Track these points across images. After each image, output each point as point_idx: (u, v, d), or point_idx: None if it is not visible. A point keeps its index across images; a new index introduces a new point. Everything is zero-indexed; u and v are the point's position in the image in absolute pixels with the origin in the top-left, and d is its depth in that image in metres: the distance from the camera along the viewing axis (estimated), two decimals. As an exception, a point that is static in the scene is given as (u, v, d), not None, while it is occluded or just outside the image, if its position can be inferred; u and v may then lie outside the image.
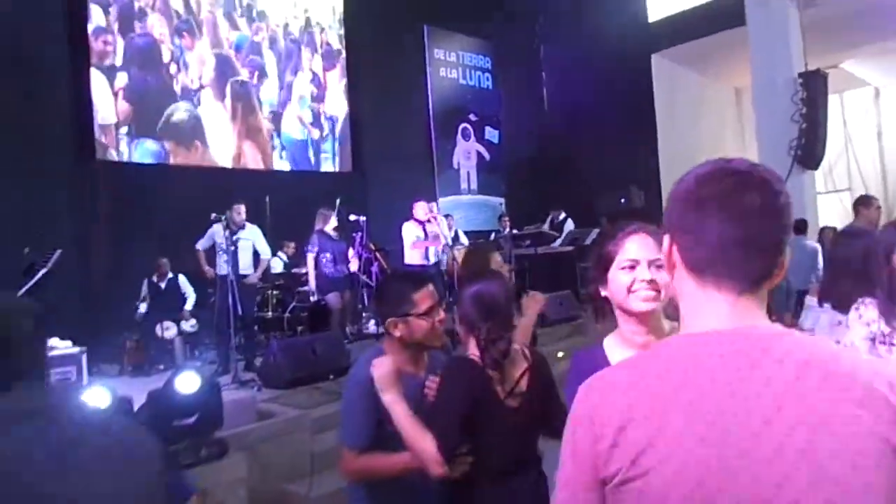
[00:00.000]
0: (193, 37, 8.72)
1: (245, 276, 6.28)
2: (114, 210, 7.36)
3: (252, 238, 6.41)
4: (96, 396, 2.95)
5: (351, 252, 7.43)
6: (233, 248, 6.09)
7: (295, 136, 9.76)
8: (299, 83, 9.87)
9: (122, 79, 7.99)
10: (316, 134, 10.01)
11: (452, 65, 11.94)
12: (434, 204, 7.58)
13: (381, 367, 1.84)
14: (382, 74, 10.32)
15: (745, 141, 12.25)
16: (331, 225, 6.94)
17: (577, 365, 1.61)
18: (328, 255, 6.83)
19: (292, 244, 8.32)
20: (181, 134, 8.48)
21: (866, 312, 1.93)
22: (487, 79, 12.54)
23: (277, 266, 8.18)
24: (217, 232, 6.18)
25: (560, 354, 4.72)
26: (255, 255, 6.59)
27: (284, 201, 7.74)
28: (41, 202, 6.69)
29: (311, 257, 6.82)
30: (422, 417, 1.77)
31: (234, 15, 9.23)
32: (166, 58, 8.45)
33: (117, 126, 7.93)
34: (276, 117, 9.53)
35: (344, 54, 10.38)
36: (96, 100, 7.75)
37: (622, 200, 9.02)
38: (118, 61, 8.00)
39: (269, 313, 7.36)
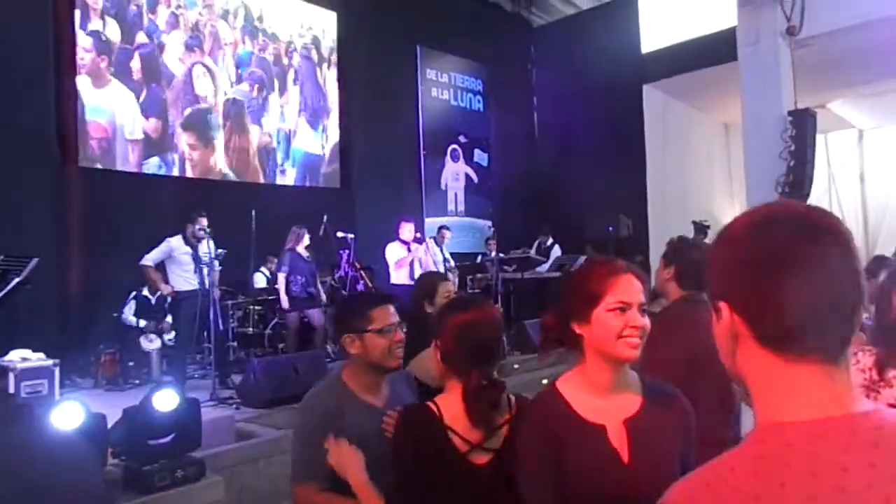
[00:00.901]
0: (201, 51, 8.79)
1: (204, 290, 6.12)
2: (93, 219, 7.26)
3: (208, 249, 6.31)
4: (68, 412, 2.87)
5: (325, 275, 7.43)
6: (204, 261, 5.99)
7: (305, 149, 9.90)
8: (298, 98, 9.91)
9: (141, 94, 8.09)
10: (317, 149, 10.07)
11: (444, 86, 12.01)
12: (415, 230, 7.56)
13: (339, 456, 1.68)
14: (374, 92, 10.36)
15: (732, 175, 12.42)
16: (303, 244, 6.90)
17: (533, 413, 1.43)
18: (300, 277, 6.82)
19: (276, 259, 8.23)
20: (190, 145, 8.58)
21: (863, 359, 1.91)
22: (479, 101, 12.63)
23: (260, 282, 8.12)
24: (175, 247, 6.03)
25: (544, 381, 4.75)
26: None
27: (269, 215, 7.70)
28: (19, 209, 6.58)
29: (282, 277, 6.81)
30: (381, 457, 1.63)
31: (238, 30, 9.27)
32: (178, 71, 8.50)
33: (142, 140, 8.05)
34: (278, 133, 9.60)
35: (336, 71, 10.42)
36: (121, 114, 7.84)
37: (610, 229, 9.09)
38: (136, 75, 8.07)
39: (251, 329, 7.34)
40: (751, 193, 8.06)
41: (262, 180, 9.34)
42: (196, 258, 5.97)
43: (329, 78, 10.37)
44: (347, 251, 7.53)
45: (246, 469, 4.04)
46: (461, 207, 12.08)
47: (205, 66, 8.86)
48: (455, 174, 12.09)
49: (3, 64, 6.56)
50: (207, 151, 8.77)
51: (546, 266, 9.32)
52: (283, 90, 9.74)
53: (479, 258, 10.27)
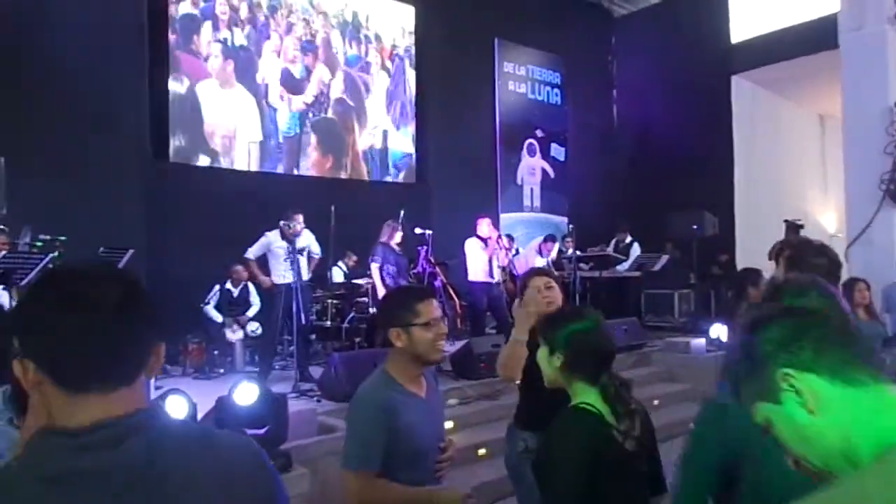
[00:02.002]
0: (315, 56, 9.40)
1: (302, 282, 6.31)
2: (183, 213, 7.61)
3: (307, 243, 6.50)
4: (175, 406, 3.01)
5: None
6: (298, 256, 6.17)
7: (400, 149, 10.28)
8: (390, 97, 10.23)
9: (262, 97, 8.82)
10: (408, 147, 10.34)
11: (521, 79, 11.93)
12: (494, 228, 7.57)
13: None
14: (451, 86, 10.39)
15: (827, 171, 11.84)
16: (396, 239, 6.97)
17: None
18: (392, 268, 6.86)
19: (354, 255, 8.43)
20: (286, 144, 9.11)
21: None
22: (556, 94, 12.49)
23: (337, 276, 8.28)
24: (273, 241, 6.28)
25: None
26: (309, 261, 6.67)
27: (347, 210, 7.85)
28: (118, 204, 6.97)
29: (375, 267, 6.85)
30: (426, 446, 1.94)
31: (340, 31, 9.73)
32: (271, 72, 9.03)
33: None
34: (376, 132, 10.03)
35: (413, 65, 10.52)
36: (208, 110, 8.37)
37: (694, 227, 8.82)
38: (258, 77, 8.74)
39: (328, 322, 7.51)
40: (850, 191, 7.66)
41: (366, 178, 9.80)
42: (292, 252, 6.15)
43: (408, 73, 10.50)
44: (425, 247, 7.58)
45: (329, 462, 4.14)
46: (537, 203, 12.00)
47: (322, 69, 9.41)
48: (531, 169, 12.01)
49: (103, 59, 6.94)
50: (328, 154, 9.34)
51: (626, 265, 9.15)
52: (380, 90, 10.11)
53: (555, 253, 10.16)
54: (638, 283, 9.15)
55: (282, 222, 6.18)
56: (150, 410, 0.96)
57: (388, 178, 10.13)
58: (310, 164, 9.31)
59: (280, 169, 9.04)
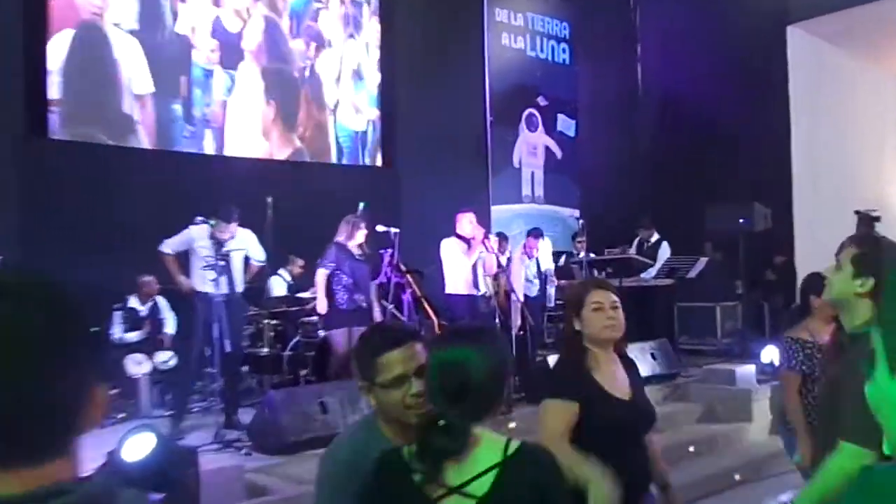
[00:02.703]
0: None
1: (232, 296, 6.19)
2: (68, 208, 7.47)
3: (244, 247, 6.36)
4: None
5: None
6: (222, 262, 6.06)
7: (350, 125, 10.21)
8: (344, 55, 10.23)
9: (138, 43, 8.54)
10: (358, 124, 10.32)
11: (518, 31, 11.95)
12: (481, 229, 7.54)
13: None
14: (426, 43, 10.38)
15: (911, 147, 11.93)
16: (357, 239, 6.89)
17: None
18: (345, 277, 6.77)
19: (299, 261, 8.34)
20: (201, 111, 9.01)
21: None
22: (564, 51, 12.51)
23: (278, 288, 8.20)
24: (197, 237, 6.15)
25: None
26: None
27: (292, 202, 7.78)
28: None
29: (322, 274, 6.75)
30: None
31: None
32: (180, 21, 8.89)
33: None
34: (330, 100, 10.05)
35: (377, 11, 10.49)
36: (126, 66, 8.31)
37: (740, 221, 8.80)
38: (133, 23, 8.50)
39: (265, 349, 7.41)
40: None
41: (308, 159, 9.71)
42: (220, 257, 6.06)
43: (369, 28, 10.46)
44: (390, 250, 7.52)
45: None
46: (539, 192, 11.99)
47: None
48: (532, 148, 11.98)
49: None
50: (270, 129, 9.33)
51: (653, 271, 9.11)
52: (336, 45, 10.10)
53: (563, 259, 10.15)
54: (669, 294, 9.11)
55: (198, 218, 6.08)
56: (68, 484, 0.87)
57: (345, 161, 10.06)
58: (242, 141, 9.24)
59: (205, 148, 8.99)
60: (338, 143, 10.10)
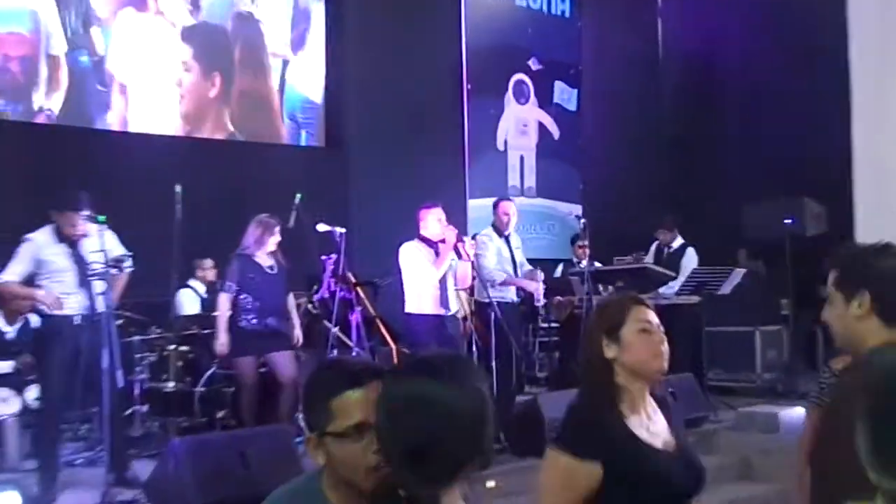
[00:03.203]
0: None
1: (96, 316, 6.10)
2: None
3: (99, 247, 6.20)
4: None
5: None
6: (114, 269, 6.06)
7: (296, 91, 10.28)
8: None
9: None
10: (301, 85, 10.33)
11: (504, -26, 11.96)
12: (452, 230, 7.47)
13: None
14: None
15: None
16: (268, 246, 6.96)
17: None
18: (252, 300, 6.93)
19: (207, 262, 8.45)
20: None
21: None
22: (563, 0, 12.52)
23: (188, 304, 8.23)
24: (41, 245, 6.06)
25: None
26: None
27: (207, 192, 7.79)
28: None
29: (224, 301, 6.94)
30: None
31: None
32: None
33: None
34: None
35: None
36: None
37: (787, 221, 8.82)
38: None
39: (170, 384, 7.45)
40: None
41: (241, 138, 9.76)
42: (78, 263, 6.01)
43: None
44: (334, 256, 7.52)
45: None
46: (530, 182, 12.01)
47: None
48: (521, 124, 12.02)
49: None
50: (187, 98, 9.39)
51: (675, 285, 9.11)
52: None
53: (560, 269, 10.12)
54: (694, 315, 9.07)
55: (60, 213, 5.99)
56: None
57: (275, 141, 10.07)
58: (144, 114, 9.19)
59: (105, 122, 9.00)
60: (279, 117, 10.12)
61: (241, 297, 6.92)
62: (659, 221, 9.83)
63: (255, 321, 6.95)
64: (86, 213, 6.03)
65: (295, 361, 7.11)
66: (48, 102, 8.70)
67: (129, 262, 6.35)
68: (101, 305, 6.03)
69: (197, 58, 9.60)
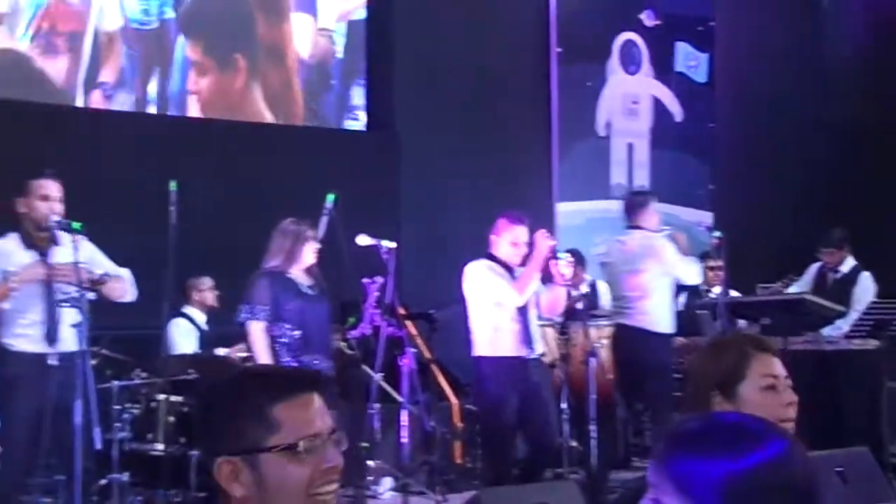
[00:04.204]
0: None
1: (68, 355, 6.25)
2: None
3: (78, 257, 6.29)
4: None
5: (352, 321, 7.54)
6: (91, 292, 6.25)
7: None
8: None
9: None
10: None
11: None
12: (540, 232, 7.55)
13: None
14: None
15: None
16: (303, 262, 7.03)
17: None
18: (287, 328, 6.97)
19: (206, 281, 8.58)
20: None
21: None
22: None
23: (184, 340, 8.35)
24: (9, 253, 6.30)
25: None
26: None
27: (209, 190, 8.03)
28: None
29: (258, 330, 6.95)
30: None
31: None
32: None
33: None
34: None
35: None
36: None
37: None
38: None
39: (158, 446, 7.48)
40: None
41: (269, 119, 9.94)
42: (48, 281, 6.20)
43: None
44: (379, 280, 7.61)
45: None
46: (641, 180, 12.04)
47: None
48: (630, 101, 12.11)
49: None
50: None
51: (844, 324, 9.14)
52: None
53: (684, 299, 10.15)
54: (871, 365, 9.08)
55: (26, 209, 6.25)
56: None
57: (296, 122, 10.28)
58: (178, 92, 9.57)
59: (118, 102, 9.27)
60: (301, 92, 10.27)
61: (277, 328, 6.90)
62: (823, 237, 9.80)
63: (292, 357, 6.93)
64: (53, 180, 6.29)
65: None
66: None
67: (116, 271, 6.56)
68: (70, 342, 6.15)
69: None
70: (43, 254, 6.26)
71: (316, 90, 10.49)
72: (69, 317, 6.24)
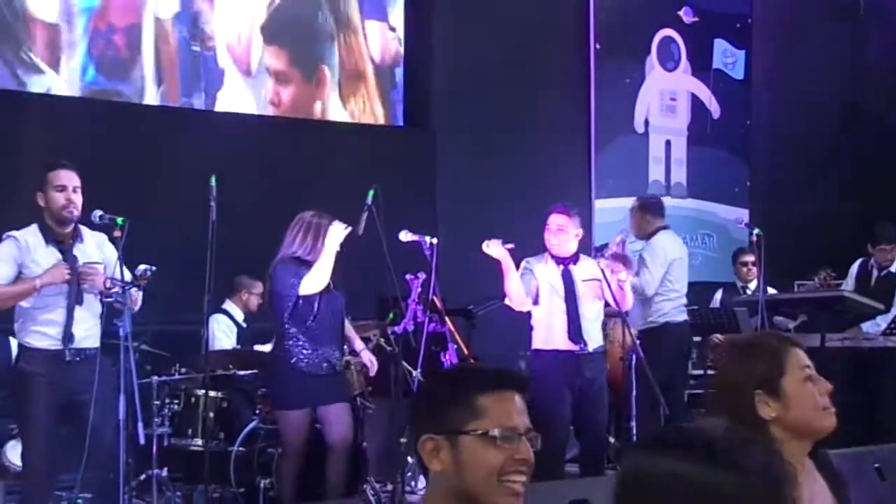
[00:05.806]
0: None
1: (84, 352, 6.23)
2: None
3: (100, 257, 6.36)
4: None
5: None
6: (136, 286, 6.23)
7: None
8: None
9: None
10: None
11: None
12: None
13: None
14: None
15: None
16: (328, 252, 6.89)
17: None
18: (309, 318, 6.95)
19: (256, 286, 8.49)
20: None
21: None
22: (727, -73, 12.59)
23: (223, 335, 8.35)
24: (33, 247, 6.20)
25: None
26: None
27: (251, 186, 8.05)
28: None
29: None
30: None
31: None
32: None
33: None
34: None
35: None
36: None
37: None
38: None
39: (197, 441, 7.50)
40: None
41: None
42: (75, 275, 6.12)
43: None
44: (422, 276, 7.65)
45: None
46: (679, 177, 12.06)
47: None
48: (668, 98, 12.10)
49: None
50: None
51: (886, 320, 9.07)
52: None
53: (720, 296, 10.10)
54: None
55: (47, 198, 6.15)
56: None
57: (344, 118, 10.24)
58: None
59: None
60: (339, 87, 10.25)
61: (291, 325, 6.89)
62: (879, 233, 9.73)
63: (310, 359, 6.90)
64: (68, 170, 6.18)
65: (350, 416, 7.15)
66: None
67: (147, 278, 6.38)
68: (91, 339, 6.19)
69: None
70: (63, 251, 6.17)
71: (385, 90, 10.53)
72: (90, 315, 6.24)
